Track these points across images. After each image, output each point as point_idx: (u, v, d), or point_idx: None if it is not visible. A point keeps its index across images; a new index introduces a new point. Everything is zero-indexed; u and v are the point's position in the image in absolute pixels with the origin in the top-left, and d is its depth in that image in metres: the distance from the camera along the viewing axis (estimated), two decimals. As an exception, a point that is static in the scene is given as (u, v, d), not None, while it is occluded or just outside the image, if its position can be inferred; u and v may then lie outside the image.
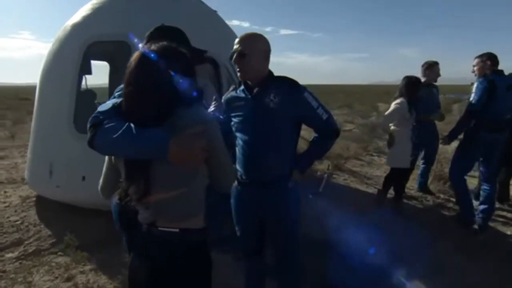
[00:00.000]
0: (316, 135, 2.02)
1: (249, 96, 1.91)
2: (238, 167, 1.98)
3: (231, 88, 2.07)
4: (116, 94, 1.44)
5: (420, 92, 4.06)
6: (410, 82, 3.88)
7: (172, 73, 1.17)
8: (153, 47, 1.22)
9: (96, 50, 4.27)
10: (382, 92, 39.27)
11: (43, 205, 4.16)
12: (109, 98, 5.31)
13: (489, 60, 3.62)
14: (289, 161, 1.96)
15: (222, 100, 2.07)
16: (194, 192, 1.26)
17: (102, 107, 1.29)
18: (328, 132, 1.99)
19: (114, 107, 1.26)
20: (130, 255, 1.35)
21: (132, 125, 1.14)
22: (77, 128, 3.72)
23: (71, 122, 3.73)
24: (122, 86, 1.40)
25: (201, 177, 1.27)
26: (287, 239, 2.03)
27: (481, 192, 3.75)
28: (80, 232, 3.37)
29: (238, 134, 1.97)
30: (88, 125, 1.23)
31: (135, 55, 1.20)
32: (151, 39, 1.67)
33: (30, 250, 3.26)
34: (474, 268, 3.00)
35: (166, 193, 1.20)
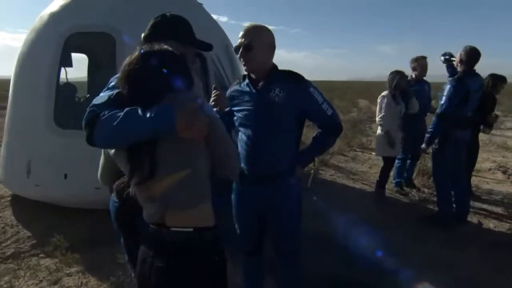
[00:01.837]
0: (319, 130, 2.01)
1: (254, 90, 1.89)
2: (241, 162, 1.94)
3: (235, 82, 2.05)
4: (111, 85, 1.37)
5: (412, 88, 4.24)
6: (391, 76, 4.28)
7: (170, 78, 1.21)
8: (155, 47, 1.23)
9: (74, 42, 4.06)
10: (361, 89, 39.99)
11: (20, 205, 3.93)
12: (87, 92, 5.11)
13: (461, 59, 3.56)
14: (291, 157, 1.95)
15: (226, 95, 2.03)
16: (199, 174, 1.22)
17: (97, 100, 1.24)
18: (332, 128, 1.98)
19: (110, 99, 1.21)
20: (138, 259, 1.27)
21: (133, 109, 1.14)
22: (58, 123, 3.53)
23: (50, 117, 3.53)
24: (116, 76, 1.33)
25: (204, 158, 1.24)
26: (288, 235, 2.02)
27: (455, 187, 3.83)
28: (64, 233, 3.19)
29: (241, 129, 1.94)
30: (84, 122, 1.16)
31: (133, 58, 1.21)
32: (155, 28, 1.58)
33: (9, 253, 3.07)
34: (464, 261, 3.06)
35: (170, 178, 1.17)
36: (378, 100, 4.31)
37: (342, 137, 8.20)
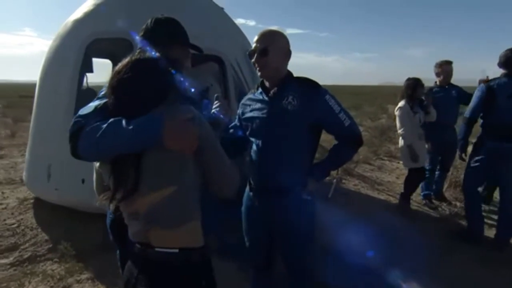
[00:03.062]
0: (336, 142, 1.86)
1: (266, 98, 1.79)
2: (251, 173, 1.87)
3: (249, 92, 1.98)
4: (101, 94, 1.31)
5: (437, 95, 4.00)
6: (406, 84, 4.12)
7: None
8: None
9: (97, 48, 4.12)
10: (391, 94, 38.87)
11: (41, 207, 4.02)
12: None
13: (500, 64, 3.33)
14: (304, 169, 1.80)
15: (240, 103, 1.97)
16: (186, 191, 1.13)
17: (83, 110, 1.17)
18: (350, 139, 1.82)
19: (97, 109, 1.14)
20: (123, 278, 1.20)
21: (118, 118, 1.07)
22: (77, 129, 3.57)
23: (70, 122, 3.58)
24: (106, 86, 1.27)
25: (193, 174, 1.13)
26: (298, 251, 1.89)
27: (499, 211, 3.51)
28: (79, 237, 3.23)
29: (252, 139, 1.85)
30: (69, 134, 1.09)
31: (123, 66, 1.16)
32: (147, 32, 1.53)
33: (26, 256, 3.11)
34: (494, 283, 2.81)
35: (155, 194, 1.09)
36: (396, 113, 4.09)
37: (368, 145, 7.91)
